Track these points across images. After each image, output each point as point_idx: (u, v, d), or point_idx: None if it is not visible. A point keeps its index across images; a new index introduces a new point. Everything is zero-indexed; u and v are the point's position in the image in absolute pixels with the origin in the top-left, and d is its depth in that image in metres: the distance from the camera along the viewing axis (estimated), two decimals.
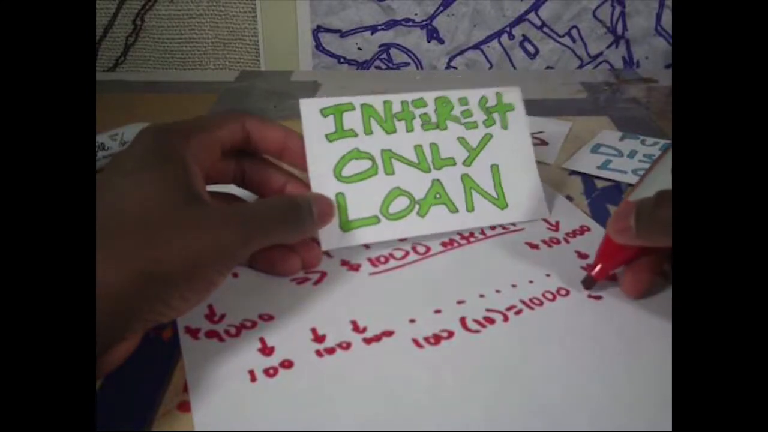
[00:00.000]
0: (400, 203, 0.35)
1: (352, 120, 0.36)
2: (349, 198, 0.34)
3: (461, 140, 0.38)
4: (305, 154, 0.33)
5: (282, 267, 0.32)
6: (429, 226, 0.35)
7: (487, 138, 0.39)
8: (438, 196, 0.36)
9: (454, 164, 0.37)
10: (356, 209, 0.34)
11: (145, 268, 0.23)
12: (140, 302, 0.23)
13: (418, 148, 0.37)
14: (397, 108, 0.38)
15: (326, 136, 0.35)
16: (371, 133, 0.36)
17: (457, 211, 0.36)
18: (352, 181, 0.34)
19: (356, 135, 0.36)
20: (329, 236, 0.33)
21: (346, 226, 0.33)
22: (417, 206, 0.35)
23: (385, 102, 0.37)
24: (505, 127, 0.39)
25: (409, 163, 0.37)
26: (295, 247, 0.32)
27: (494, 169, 0.38)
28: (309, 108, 0.35)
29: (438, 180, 0.37)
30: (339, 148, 0.34)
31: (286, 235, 0.29)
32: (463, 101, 0.39)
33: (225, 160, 0.31)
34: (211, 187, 0.29)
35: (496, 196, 0.37)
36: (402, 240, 0.35)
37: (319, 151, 0.34)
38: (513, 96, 0.40)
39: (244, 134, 0.31)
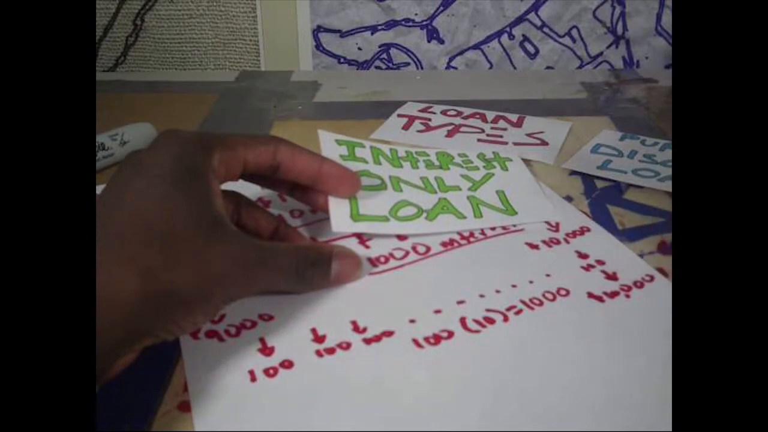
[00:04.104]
0: (408, 210, 0.36)
1: (363, 153, 0.40)
2: (361, 201, 0.35)
3: (464, 176, 0.41)
4: (342, 178, 0.33)
5: None
6: (438, 228, 0.36)
7: (489, 175, 0.41)
8: (445, 208, 0.37)
9: (460, 190, 0.39)
10: (366, 209, 0.35)
11: (163, 289, 0.23)
12: (153, 320, 0.23)
13: (424, 179, 0.40)
14: (402, 154, 0.42)
15: (341, 156, 0.38)
16: (380, 164, 0.39)
17: (465, 218, 0.36)
18: (363, 190, 0.35)
19: (367, 162, 0.39)
20: (340, 221, 0.33)
21: (356, 218, 0.34)
22: (425, 213, 0.36)
23: (391, 149, 0.42)
24: (505, 169, 0.43)
25: (415, 186, 0.38)
26: None
27: (500, 193, 0.39)
28: (326, 137, 0.40)
29: (445, 198, 0.37)
30: (351, 167, 0.35)
31: (295, 288, 0.30)
32: (462, 155, 0.44)
33: (225, 201, 0.31)
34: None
35: (504, 209, 0.38)
36: (402, 240, 0.35)
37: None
38: (510, 155, 0.44)
39: (273, 162, 0.30)
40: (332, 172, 0.32)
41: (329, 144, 0.39)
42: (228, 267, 0.25)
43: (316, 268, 0.30)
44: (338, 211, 0.33)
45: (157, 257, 0.23)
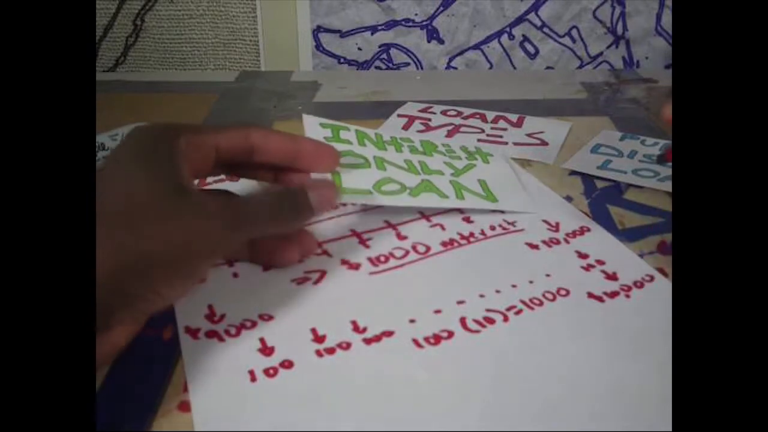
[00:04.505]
0: (391, 186, 0.36)
1: (347, 135, 0.39)
2: (344, 176, 0.35)
3: (447, 163, 0.41)
4: (320, 153, 0.33)
5: (281, 258, 0.32)
6: (421, 203, 0.36)
7: (470, 165, 0.42)
8: (428, 187, 0.37)
9: (443, 174, 0.39)
10: (350, 183, 0.34)
11: (131, 257, 0.23)
12: (127, 288, 0.23)
13: (407, 161, 0.40)
14: (386, 138, 0.41)
15: (325, 138, 0.37)
16: (364, 145, 0.39)
17: (447, 197, 0.37)
18: (347, 167, 0.35)
19: (351, 143, 0.38)
20: None
21: (341, 191, 0.34)
22: (408, 190, 0.36)
23: (376, 133, 0.41)
24: (486, 162, 0.43)
25: (399, 167, 0.38)
26: (292, 238, 0.32)
27: (482, 182, 0.40)
28: (310, 121, 0.39)
29: (428, 180, 0.38)
30: (336, 147, 0.35)
31: (278, 225, 0.29)
32: (446, 145, 0.44)
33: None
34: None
35: (485, 195, 0.39)
36: (402, 239, 0.35)
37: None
38: (492, 152, 0.45)
39: (246, 145, 0.30)
40: (309, 148, 0.32)
41: (313, 127, 0.39)
42: (192, 230, 0.25)
43: (294, 204, 0.29)
44: None
45: (119, 230, 0.23)
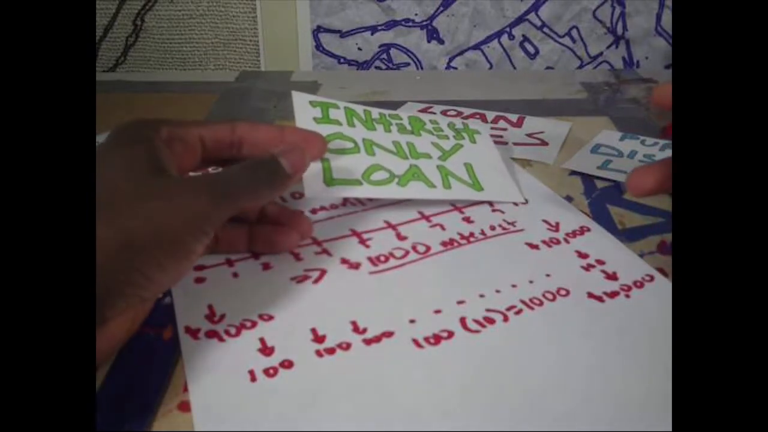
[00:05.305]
0: (380, 175, 0.36)
1: (337, 114, 0.39)
2: (333, 164, 0.35)
3: (435, 144, 0.41)
4: (307, 141, 0.33)
5: (280, 243, 0.33)
6: (408, 194, 0.36)
7: (458, 146, 0.42)
8: (416, 175, 0.38)
9: (431, 158, 0.39)
10: (340, 173, 0.35)
11: (114, 239, 0.23)
12: (115, 274, 0.23)
13: (396, 143, 0.39)
14: (375, 116, 0.41)
15: (314, 118, 0.37)
16: (353, 126, 0.39)
17: (435, 187, 0.37)
18: (336, 153, 0.35)
19: (341, 124, 0.38)
20: (313, 186, 0.33)
21: (330, 183, 0.34)
22: (397, 179, 0.37)
23: (365, 110, 0.41)
24: (473, 142, 0.43)
25: (388, 150, 0.38)
26: (287, 222, 0.33)
27: (468, 165, 0.40)
28: (299, 98, 0.39)
29: (416, 165, 0.38)
30: (325, 129, 0.36)
31: (259, 194, 0.29)
32: (434, 122, 0.44)
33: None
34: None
35: (471, 182, 0.39)
36: (402, 239, 0.35)
37: (307, 128, 0.35)
38: (478, 127, 0.45)
39: (233, 137, 0.31)
40: (295, 137, 0.32)
41: (303, 106, 0.38)
42: (175, 208, 0.25)
43: (269, 172, 0.29)
44: (311, 177, 0.33)
45: (100, 215, 0.23)
